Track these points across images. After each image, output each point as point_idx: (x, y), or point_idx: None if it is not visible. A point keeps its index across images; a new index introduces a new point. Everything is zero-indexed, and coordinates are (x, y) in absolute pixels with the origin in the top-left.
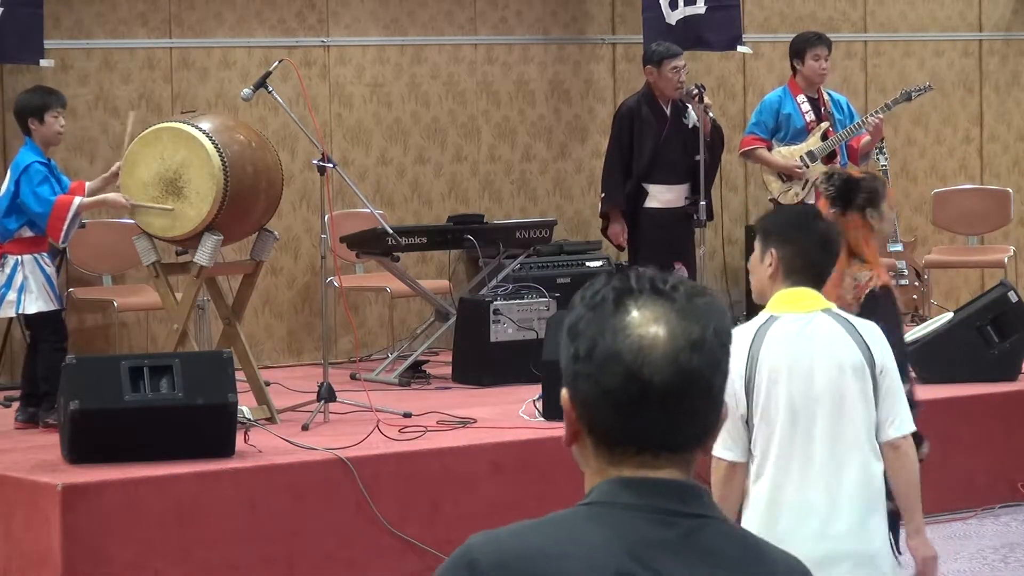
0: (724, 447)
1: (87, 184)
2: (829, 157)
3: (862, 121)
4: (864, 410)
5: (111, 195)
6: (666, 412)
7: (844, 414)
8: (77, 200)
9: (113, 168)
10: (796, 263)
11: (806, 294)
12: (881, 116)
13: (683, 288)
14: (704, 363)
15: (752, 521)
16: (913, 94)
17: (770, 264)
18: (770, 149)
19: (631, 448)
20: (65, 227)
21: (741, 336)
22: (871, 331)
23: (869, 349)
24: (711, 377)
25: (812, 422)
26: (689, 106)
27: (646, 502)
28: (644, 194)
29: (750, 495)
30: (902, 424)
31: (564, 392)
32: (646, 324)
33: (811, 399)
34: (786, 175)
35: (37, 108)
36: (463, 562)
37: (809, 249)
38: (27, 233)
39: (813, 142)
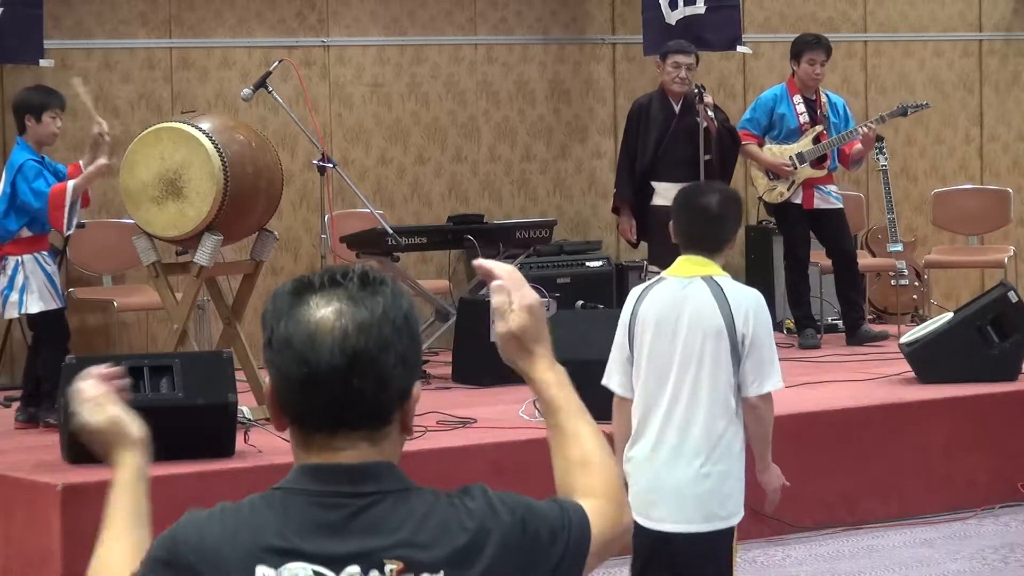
0: (615, 382)
1: (81, 161)
2: (820, 160)
3: (856, 129)
4: (714, 371)
5: (92, 166)
6: (332, 393)
7: (698, 372)
8: (70, 184)
9: (98, 162)
10: (685, 234)
11: (693, 261)
12: (875, 127)
13: (358, 278)
14: (372, 344)
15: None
16: (910, 110)
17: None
18: (761, 146)
19: (312, 429)
20: (66, 214)
21: (634, 291)
22: (742, 300)
23: (732, 317)
24: (379, 356)
25: (668, 375)
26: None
27: (319, 487)
28: (651, 191)
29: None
30: (761, 385)
31: (266, 379)
32: (317, 311)
33: (669, 355)
34: (773, 173)
35: (37, 106)
36: (168, 542)
37: (691, 222)
38: (27, 233)
39: (804, 144)
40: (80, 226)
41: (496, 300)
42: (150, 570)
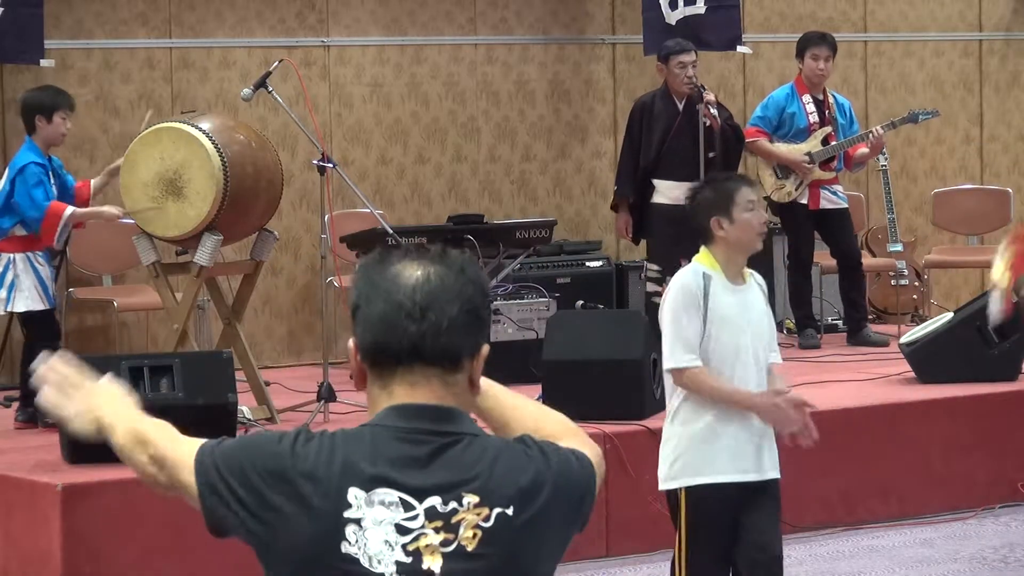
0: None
1: (92, 182)
2: (827, 161)
3: (864, 134)
4: None
5: (105, 208)
6: (411, 325)
7: None
8: (69, 210)
9: (114, 164)
10: None
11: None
12: (883, 132)
13: (439, 248)
14: (446, 289)
15: None
16: (920, 117)
17: None
18: (771, 143)
19: (394, 363)
20: (57, 234)
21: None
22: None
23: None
24: (452, 301)
25: None
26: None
27: (405, 424)
28: (652, 189)
29: None
30: (665, 362)
31: (351, 341)
32: (402, 264)
33: None
34: (781, 172)
35: (49, 107)
36: (295, 434)
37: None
38: (21, 232)
39: (813, 144)
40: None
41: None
42: (260, 478)
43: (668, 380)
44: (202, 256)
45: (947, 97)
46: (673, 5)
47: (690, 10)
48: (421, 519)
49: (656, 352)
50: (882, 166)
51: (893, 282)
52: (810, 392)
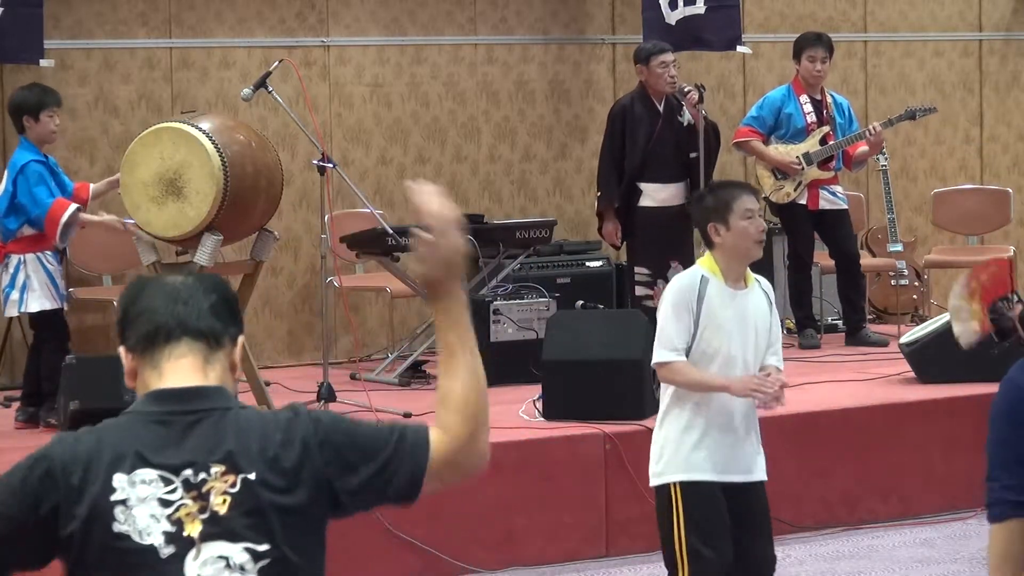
0: None
1: (91, 186)
2: (825, 161)
3: (863, 132)
4: None
5: (108, 218)
6: (170, 310)
7: None
8: (72, 207)
9: (116, 176)
10: None
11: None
12: (881, 130)
13: (194, 272)
14: (194, 291)
15: None
16: (918, 114)
17: None
18: (765, 144)
19: (152, 347)
20: (59, 231)
21: None
22: None
23: None
24: (199, 297)
25: None
26: (684, 104)
27: (158, 408)
28: (638, 193)
29: None
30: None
31: (120, 348)
32: (164, 278)
33: None
34: (780, 172)
35: (34, 106)
36: (38, 457)
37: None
38: (29, 231)
39: (811, 144)
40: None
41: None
42: (29, 468)
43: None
44: (202, 256)
45: (947, 97)
46: (673, 5)
47: (690, 10)
48: (180, 491)
49: None
50: (882, 166)
51: (893, 282)
52: (810, 392)
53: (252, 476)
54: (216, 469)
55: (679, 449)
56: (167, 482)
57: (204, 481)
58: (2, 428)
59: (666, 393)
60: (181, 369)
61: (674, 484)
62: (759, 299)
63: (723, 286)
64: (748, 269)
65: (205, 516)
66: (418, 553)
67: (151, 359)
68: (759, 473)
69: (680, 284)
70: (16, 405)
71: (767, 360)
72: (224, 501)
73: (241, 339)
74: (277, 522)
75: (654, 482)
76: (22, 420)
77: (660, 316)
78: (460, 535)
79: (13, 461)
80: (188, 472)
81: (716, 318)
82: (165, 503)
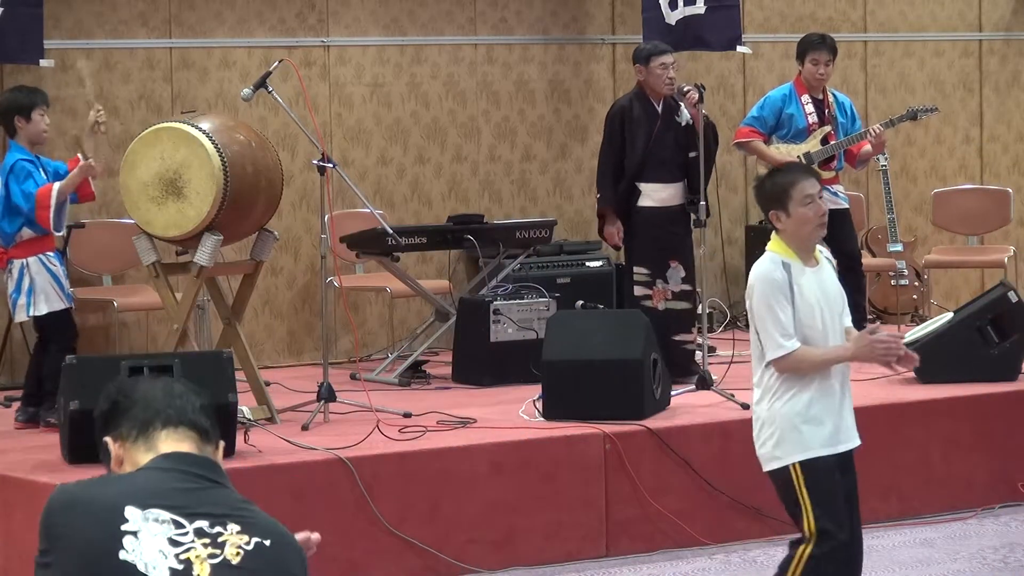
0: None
1: (78, 155)
2: (827, 161)
3: (865, 132)
4: (752, 334)
5: (80, 167)
6: (172, 401)
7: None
8: (56, 186)
9: (80, 164)
10: None
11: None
12: (883, 130)
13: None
14: (186, 390)
15: None
16: (920, 114)
17: None
18: (767, 144)
19: (160, 428)
20: (52, 214)
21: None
22: (752, 272)
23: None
24: (191, 396)
25: None
26: (681, 104)
27: (173, 466)
28: (638, 193)
29: None
30: (766, 355)
31: (107, 438)
32: (147, 380)
33: None
34: None
35: (26, 106)
36: (42, 522)
37: None
38: (29, 234)
39: (812, 144)
40: (80, 226)
41: None
42: (42, 539)
43: (757, 363)
44: (202, 256)
45: (947, 97)
46: (673, 5)
47: (690, 10)
48: (191, 535)
49: (655, 353)
50: (882, 166)
51: (893, 282)
52: None
53: (267, 543)
54: (233, 527)
55: (798, 427)
56: (179, 526)
57: (219, 534)
58: (2, 428)
59: (765, 372)
60: (181, 446)
61: (795, 465)
62: (829, 271)
63: (802, 266)
64: None
65: (216, 562)
66: (418, 553)
67: (145, 443)
68: (857, 438)
69: (769, 275)
70: (16, 405)
71: (846, 321)
72: (237, 554)
73: (221, 445)
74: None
75: (771, 466)
76: (22, 420)
77: (760, 313)
78: (460, 535)
79: (13, 461)
80: (203, 523)
81: (807, 299)
82: (175, 543)
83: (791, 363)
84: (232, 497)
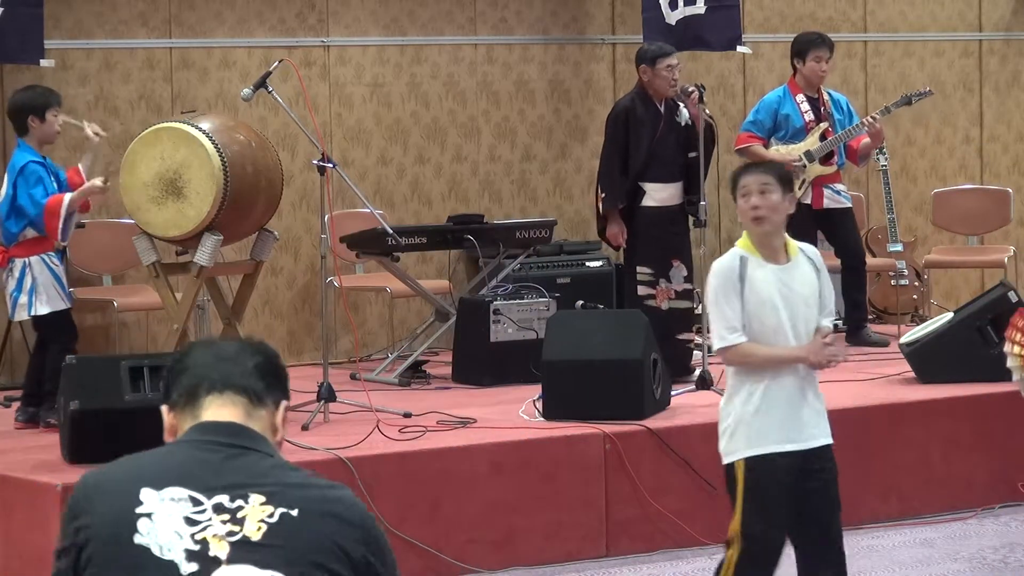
0: None
1: (79, 166)
2: (827, 157)
3: (862, 123)
4: None
5: (90, 183)
6: (219, 365)
7: None
8: (67, 197)
9: (93, 183)
10: None
11: None
12: (879, 118)
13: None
14: (239, 352)
15: None
16: (914, 99)
17: None
18: (766, 147)
19: (204, 393)
20: (60, 225)
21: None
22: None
23: None
24: (244, 358)
25: None
26: (681, 104)
27: (201, 437)
28: (641, 193)
29: None
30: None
31: (163, 407)
32: (211, 341)
33: None
34: None
35: (41, 106)
36: (70, 498)
37: None
38: (32, 234)
39: (811, 142)
40: (80, 226)
41: None
42: (63, 526)
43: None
44: (202, 256)
45: (947, 97)
46: (673, 5)
47: (690, 10)
48: (209, 512)
49: (655, 353)
50: (882, 166)
51: (893, 282)
52: None
53: (294, 513)
54: (256, 498)
55: (749, 423)
56: (196, 503)
57: (240, 508)
58: (2, 428)
59: (729, 371)
60: (222, 412)
61: (740, 461)
62: (804, 270)
63: (762, 262)
64: (791, 241)
65: (235, 540)
66: (418, 553)
67: (192, 411)
68: (825, 437)
69: (721, 267)
70: (16, 405)
71: (821, 323)
72: (259, 529)
73: (284, 404)
74: (311, 553)
75: (725, 460)
76: (22, 420)
77: (710, 304)
78: (460, 535)
79: (13, 461)
80: (222, 497)
81: (760, 294)
82: (191, 522)
83: (736, 356)
84: (262, 464)
